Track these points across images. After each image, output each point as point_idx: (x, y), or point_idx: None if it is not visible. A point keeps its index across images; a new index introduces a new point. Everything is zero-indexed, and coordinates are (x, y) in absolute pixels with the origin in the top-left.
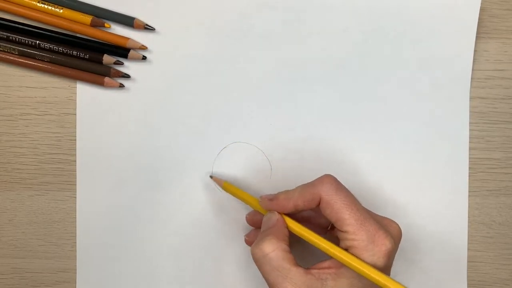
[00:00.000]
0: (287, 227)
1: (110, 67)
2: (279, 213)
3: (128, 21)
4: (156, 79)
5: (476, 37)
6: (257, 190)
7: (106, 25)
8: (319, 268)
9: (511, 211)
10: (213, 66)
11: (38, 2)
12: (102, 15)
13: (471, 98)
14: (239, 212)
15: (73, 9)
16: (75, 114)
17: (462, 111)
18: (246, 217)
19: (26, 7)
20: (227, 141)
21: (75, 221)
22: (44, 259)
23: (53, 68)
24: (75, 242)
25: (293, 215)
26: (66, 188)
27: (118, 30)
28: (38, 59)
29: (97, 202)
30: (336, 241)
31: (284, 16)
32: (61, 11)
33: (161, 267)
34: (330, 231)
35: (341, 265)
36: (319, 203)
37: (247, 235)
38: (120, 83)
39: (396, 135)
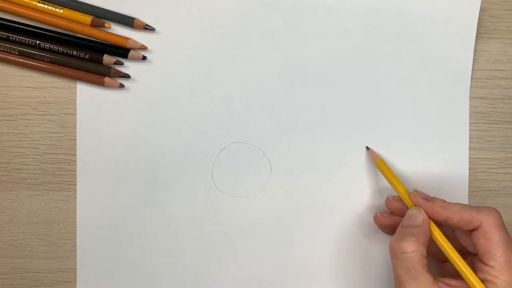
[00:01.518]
0: (430, 231)
1: (110, 67)
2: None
3: (128, 21)
4: (156, 79)
5: (476, 37)
6: (257, 190)
7: (106, 25)
8: (447, 284)
9: (511, 211)
10: (213, 66)
11: (38, 2)
12: (102, 15)
13: (471, 98)
14: (239, 212)
15: (73, 9)
16: (75, 114)
17: (462, 111)
18: (387, 198)
19: (26, 7)
20: (227, 141)
21: (75, 221)
22: (44, 259)
23: (53, 68)
24: (75, 242)
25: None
26: (66, 188)
27: (118, 30)
28: (38, 59)
29: (97, 202)
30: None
31: (284, 16)
32: (61, 11)
33: (161, 267)
34: (461, 255)
35: None
36: (472, 229)
37: (380, 213)
38: (120, 83)
39: (396, 135)
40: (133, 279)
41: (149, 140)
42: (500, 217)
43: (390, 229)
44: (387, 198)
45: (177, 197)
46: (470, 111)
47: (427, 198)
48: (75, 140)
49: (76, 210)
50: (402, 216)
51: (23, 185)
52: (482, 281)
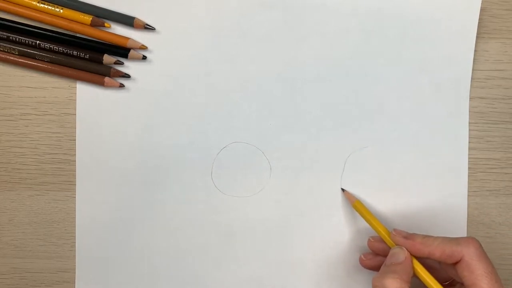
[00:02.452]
0: (412, 267)
1: (110, 67)
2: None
3: (128, 21)
4: (156, 79)
5: (476, 37)
6: (257, 190)
7: (106, 25)
8: None
9: (511, 211)
10: (213, 66)
11: (38, 2)
12: (102, 15)
13: (471, 98)
14: (239, 212)
15: (73, 9)
16: (75, 114)
17: (462, 111)
18: (368, 239)
19: (26, 7)
20: (227, 141)
21: (75, 221)
22: (44, 259)
23: (53, 68)
24: (75, 242)
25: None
26: (66, 188)
27: (118, 30)
28: (38, 59)
29: (97, 202)
30: None
31: (284, 16)
32: (61, 11)
33: (161, 267)
34: (448, 286)
35: None
36: (455, 262)
37: (364, 255)
38: (120, 83)
39: (396, 135)
40: (133, 279)
41: (149, 140)
42: (480, 247)
43: (377, 270)
44: (369, 239)
45: (177, 197)
46: (470, 111)
47: (407, 237)
48: (75, 140)
49: (76, 210)
50: (386, 256)
51: (23, 185)
52: None
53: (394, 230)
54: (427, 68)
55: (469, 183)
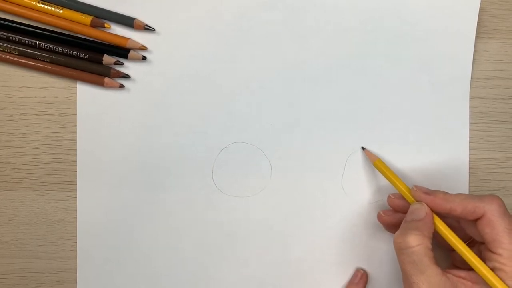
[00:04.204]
0: (433, 224)
1: (110, 68)
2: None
3: (128, 22)
4: (156, 79)
5: (476, 37)
6: (257, 190)
7: (106, 25)
8: (456, 275)
9: (511, 211)
10: (213, 66)
11: (38, 2)
12: (102, 16)
13: (471, 98)
14: (239, 212)
15: (73, 9)
16: (75, 114)
17: (462, 111)
18: (388, 196)
19: (26, 7)
20: (227, 141)
21: (75, 221)
22: (44, 259)
23: (53, 68)
24: (75, 242)
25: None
26: (66, 188)
27: (118, 30)
28: (38, 59)
29: (97, 202)
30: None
31: (284, 16)
32: (61, 11)
33: (161, 267)
34: (468, 244)
35: (478, 281)
36: (477, 219)
37: (383, 212)
38: (120, 84)
39: (396, 135)
40: (133, 279)
41: (149, 140)
42: (503, 204)
43: (395, 227)
44: (389, 196)
45: (177, 197)
46: (470, 111)
47: (428, 192)
48: (75, 140)
49: (76, 210)
50: (405, 213)
51: (23, 185)
52: (491, 269)
53: (415, 186)
54: (427, 68)
55: (469, 183)
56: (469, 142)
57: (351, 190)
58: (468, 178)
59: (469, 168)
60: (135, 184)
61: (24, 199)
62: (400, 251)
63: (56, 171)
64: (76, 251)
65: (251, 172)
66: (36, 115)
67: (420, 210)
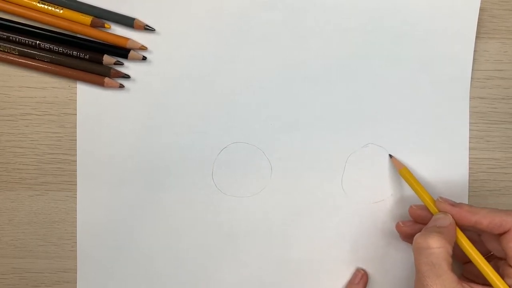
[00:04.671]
0: (456, 235)
1: (110, 68)
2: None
3: (128, 22)
4: (156, 79)
5: (476, 37)
6: (257, 190)
7: (106, 25)
8: (471, 287)
9: None
10: (213, 66)
11: (38, 2)
12: (102, 16)
13: (471, 98)
14: (240, 212)
15: (73, 10)
16: (75, 114)
17: (462, 111)
18: (410, 206)
19: (26, 7)
20: (227, 141)
21: (75, 221)
22: (44, 259)
23: (53, 68)
24: (75, 242)
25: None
26: (66, 188)
27: (118, 30)
28: (38, 59)
29: (97, 202)
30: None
31: (284, 16)
32: (61, 11)
33: (161, 267)
34: (486, 259)
35: None
36: (502, 233)
37: (402, 222)
38: (120, 84)
39: (396, 135)
40: (133, 279)
41: (149, 140)
42: None
43: (412, 238)
44: (411, 206)
45: (177, 197)
46: (470, 111)
47: (454, 204)
48: (75, 140)
49: (76, 210)
50: (426, 224)
51: (23, 185)
52: (510, 286)
53: (440, 197)
54: (427, 68)
55: (469, 183)
56: (469, 142)
57: (351, 190)
58: (468, 178)
59: (469, 168)
60: (135, 184)
61: (24, 199)
62: (420, 250)
63: (56, 171)
64: (76, 251)
65: (251, 172)
66: (36, 115)
67: (444, 219)
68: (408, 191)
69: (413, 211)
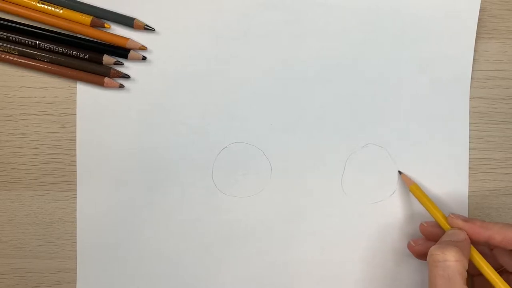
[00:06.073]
0: (470, 250)
1: (110, 68)
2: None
3: (128, 22)
4: (156, 79)
5: (476, 37)
6: (257, 190)
7: (106, 25)
8: None
9: (511, 211)
10: (213, 66)
11: (38, 2)
12: (102, 16)
13: (471, 98)
14: (239, 212)
15: (73, 9)
16: (75, 114)
17: (462, 111)
18: (421, 224)
19: (26, 7)
20: (227, 141)
21: (75, 221)
22: (44, 259)
23: (53, 68)
24: (75, 242)
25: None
26: (66, 188)
27: (118, 30)
28: (38, 59)
29: (97, 202)
30: None
31: (284, 16)
32: (61, 11)
33: (161, 267)
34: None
35: None
36: None
37: (413, 241)
38: (120, 84)
39: (396, 135)
40: (133, 279)
41: (149, 140)
42: None
43: (426, 256)
44: (421, 224)
45: (177, 197)
46: (470, 111)
47: (466, 220)
48: (75, 140)
49: (76, 210)
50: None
51: (23, 185)
52: None
53: (452, 214)
54: (427, 68)
55: (469, 183)
56: (469, 142)
57: (351, 190)
58: (468, 178)
59: (469, 168)
60: (135, 184)
61: (24, 199)
62: (435, 263)
63: (56, 171)
64: (76, 251)
65: (251, 172)
66: (36, 115)
67: (459, 234)
68: (408, 191)
69: (424, 229)
